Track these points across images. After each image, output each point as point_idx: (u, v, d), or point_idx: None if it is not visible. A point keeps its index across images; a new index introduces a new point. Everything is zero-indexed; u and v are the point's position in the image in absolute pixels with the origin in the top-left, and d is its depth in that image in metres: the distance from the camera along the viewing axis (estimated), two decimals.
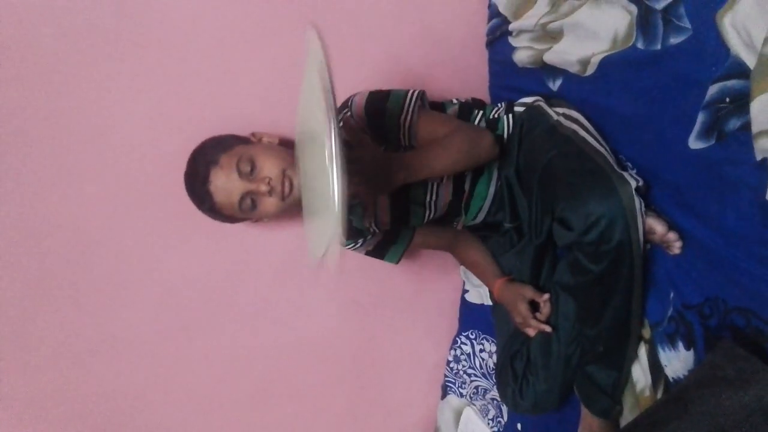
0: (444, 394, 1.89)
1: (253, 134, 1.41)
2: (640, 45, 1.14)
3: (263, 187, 1.25)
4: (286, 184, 1.28)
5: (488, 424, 1.71)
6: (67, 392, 1.53)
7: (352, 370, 1.84)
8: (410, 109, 1.32)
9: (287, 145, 1.42)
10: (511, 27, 1.49)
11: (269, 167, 1.27)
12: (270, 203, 1.29)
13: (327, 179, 0.91)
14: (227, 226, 1.42)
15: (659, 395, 1.21)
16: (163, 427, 1.66)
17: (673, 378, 1.17)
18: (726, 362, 0.93)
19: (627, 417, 1.29)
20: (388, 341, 1.86)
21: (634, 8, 1.14)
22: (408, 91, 1.35)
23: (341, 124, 1.34)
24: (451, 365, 1.86)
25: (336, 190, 0.89)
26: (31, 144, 1.37)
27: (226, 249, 1.60)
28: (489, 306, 1.68)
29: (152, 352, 1.59)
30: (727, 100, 0.98)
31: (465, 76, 1.68)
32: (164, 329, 1.59)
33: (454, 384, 1.85)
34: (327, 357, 1.79)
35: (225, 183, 1.27)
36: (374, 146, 1.32)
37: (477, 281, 1.69)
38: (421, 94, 1.36)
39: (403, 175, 1.20)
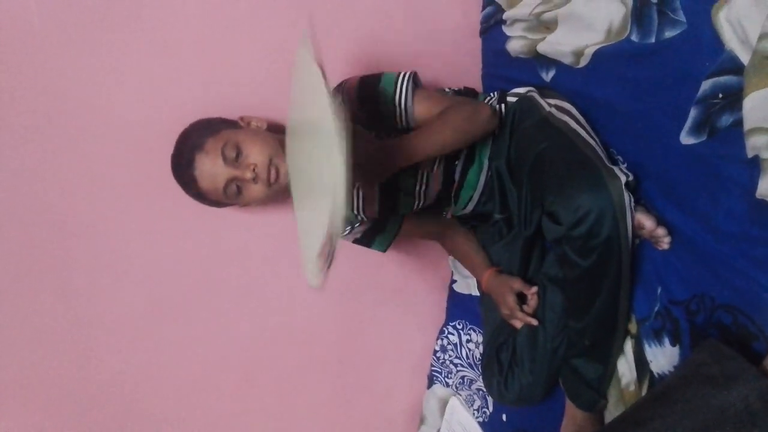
0: (430, 384, 1.89)
1: (241, 118, 1.39)
2: (634, 38, 1.13)
3: (248, 174, 1.24)
4: (272, 171, 1.26)
5: (473, 414, 1.72)
6: (50, 376, 1.52)
7: (339, 358, 1.83)
8: (404, 89, 1.31)
9: (276, 130, 1.40)
10: (505, 16, 1.47)
11: (255, 154, 1.26)
12: (255, 190, 1.27)
13: (325, 170, 0.90)
14: (214, 211, 1.40)
15: (644, 390, 1.21)
16: (148, 410, 1.65)
17: (658, 373, 1.17)
18: (711, 361, 0.92)
19: (611, 411, 1.29)
20: (374, 330, 1.85)
21: (629, 0, 1.12)
22: (400, 73, 1.34)
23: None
24: (438, 355, 1.86)
25: (341, 191, 0.88)
26: (13, 125, 1.34)
27: (213, 234, 1.58)
28: (477, 296, 1.68)
29: (137, 336, 1.58)
30: (720, 95, 0.97)
31: (458, 64, 1.66)
32: (149, 313, 1.57)
33: (441, 374, 1.85)
34: (313, 345, 1.78)
35: (210, 169, 1.25)
36: (368, 135, 1.30)
37: (465, 271, 1.68)
38: (413, 74, 1.34)
39: (402, 160, 1.19)
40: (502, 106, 1.42)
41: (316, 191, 1.04)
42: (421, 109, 1.33)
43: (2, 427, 1.50)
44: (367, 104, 1.32)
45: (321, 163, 0.98)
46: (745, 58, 0.92)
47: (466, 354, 1.76)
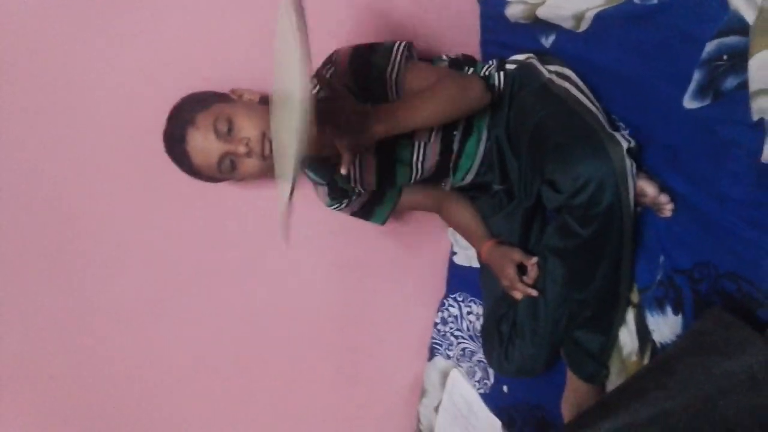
0: (431, 356, 1.88)
1: (233, 91, 1.36)
2: None
3: (241, 149, 1.21)
4: (266, 144, 1.23)
5: (475, 386, 1.71)
6: (50, 358, 1.52)
7: (339, 331, 1.83)
8: (397, 61, 1.29)
9: (269, 102, 1.37)
10: None
11: (248, 127, 1.23)
12: (250, 164, 1.25)
13: (289, 140, 0.88)
14: (210, 188, 1.39)
15: (646, 360, 1.20)
16: (149, 391, 1.65)
17: (660, 343, 1.16)
18: (715, 329, 0.91)
19: (613, 381, 1.28)
20: (374, 303, 1.85)
21: None
22: (394, 44, 1.31)
23: (315, 81, 1.30)
24: (439, 327, 1.85)
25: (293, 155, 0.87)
26: (6, 105, 1.32)
27: (212, 210, 1.57)
28: (477, 268, 1.67)
29: (137, 316, 1.57)
30: (725, 57, 0.95)
31: (455, 31, 1.62)
32: (149, 292, 1.56)
33: (441, 346, 1.84)
34: (313, 318, 1.78)
35: (202, 144, 1.22)
36: (352, 98, 1.27)
37: (465, 243, 1.67)
38: (408, 46, 1.32)
39: (384, 127, 1.14)
40: (501, 73, 1.39)
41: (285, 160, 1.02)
42: (412, 82, 1.29)
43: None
44: (359, 75, 1.29)
45: (288, 132, 0.96)
46: (750, 17, 0.90)
47: (467, 326, 1.75)
